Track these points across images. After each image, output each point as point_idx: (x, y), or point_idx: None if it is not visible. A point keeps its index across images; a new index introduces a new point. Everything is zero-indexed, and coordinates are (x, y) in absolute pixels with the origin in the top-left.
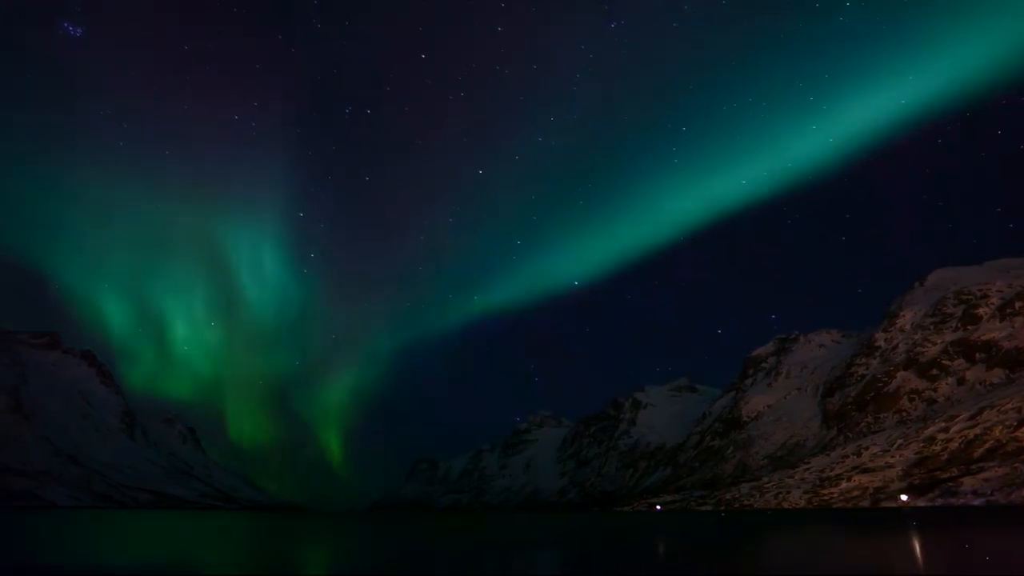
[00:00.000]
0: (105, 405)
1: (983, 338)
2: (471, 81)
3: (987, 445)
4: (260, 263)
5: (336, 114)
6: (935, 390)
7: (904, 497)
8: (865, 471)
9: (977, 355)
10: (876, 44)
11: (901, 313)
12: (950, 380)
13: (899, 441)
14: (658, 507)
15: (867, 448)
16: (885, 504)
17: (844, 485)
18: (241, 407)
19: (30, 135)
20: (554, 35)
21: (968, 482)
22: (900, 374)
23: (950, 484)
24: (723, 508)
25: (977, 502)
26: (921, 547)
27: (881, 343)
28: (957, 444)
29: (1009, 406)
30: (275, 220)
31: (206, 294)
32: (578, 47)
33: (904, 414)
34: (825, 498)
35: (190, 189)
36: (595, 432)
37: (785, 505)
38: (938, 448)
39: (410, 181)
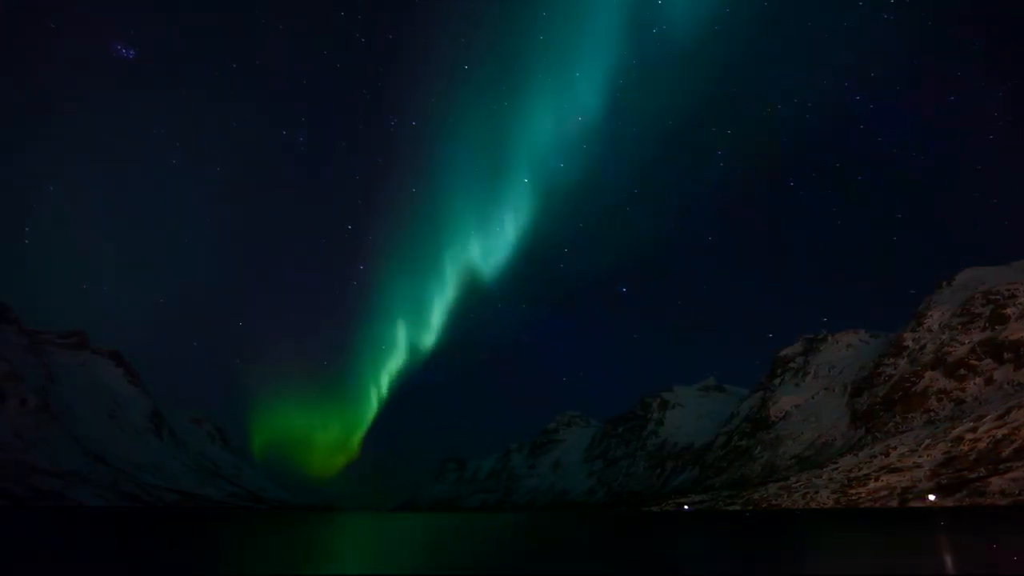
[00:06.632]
0: (133, 405)
1: (1011, 338)
2: (513, 90)
3: (1015, 445)
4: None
5: (381, 127)
6: (963, 390)
7: (932, 497)
8: (893, 471)
9: (1005, 355)
10: (922, 42)
11: (929, 313)
12: (978, 380)
13: (927, 441)
14: (686, 507)
15: (895, 448)
16: (913, 504)
17: (872, 485)
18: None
19: (82, 151)
20: (595, 41)
21: (996, 482)
22: (928, 374)
23: (978, 484)
24: (751, 508)
25: (1003, 502)
26: (950, 547)
27: (909, 343)
28: (985, 444)
29: None
30: (323, 232)
31: None
32: (620, 52)
33: (932, 414)
34: (853, 498)
35: (239, 203)
36: (623, 432)
37: (813, 505)
38: (966, 448)
39: (455, 191)
